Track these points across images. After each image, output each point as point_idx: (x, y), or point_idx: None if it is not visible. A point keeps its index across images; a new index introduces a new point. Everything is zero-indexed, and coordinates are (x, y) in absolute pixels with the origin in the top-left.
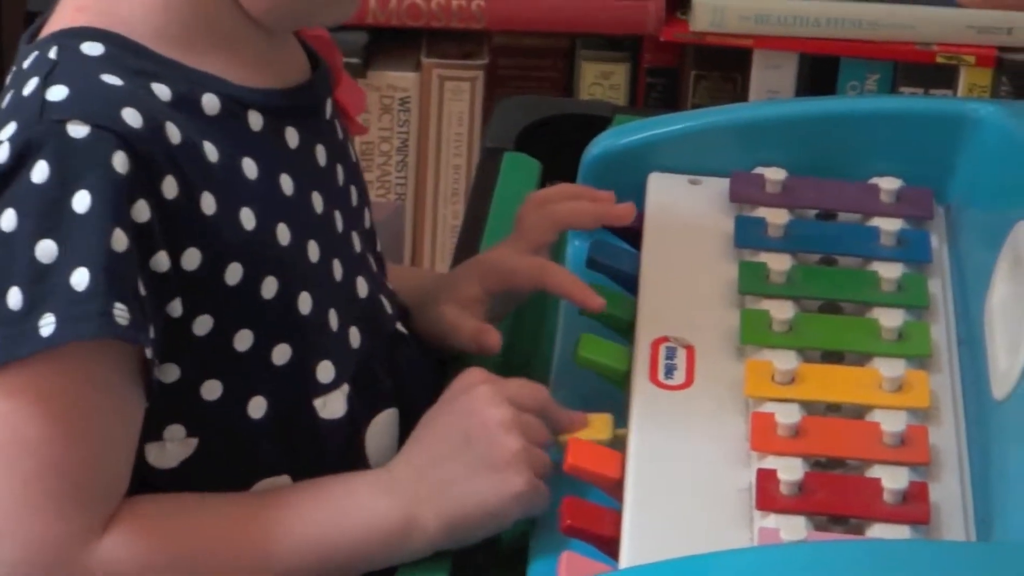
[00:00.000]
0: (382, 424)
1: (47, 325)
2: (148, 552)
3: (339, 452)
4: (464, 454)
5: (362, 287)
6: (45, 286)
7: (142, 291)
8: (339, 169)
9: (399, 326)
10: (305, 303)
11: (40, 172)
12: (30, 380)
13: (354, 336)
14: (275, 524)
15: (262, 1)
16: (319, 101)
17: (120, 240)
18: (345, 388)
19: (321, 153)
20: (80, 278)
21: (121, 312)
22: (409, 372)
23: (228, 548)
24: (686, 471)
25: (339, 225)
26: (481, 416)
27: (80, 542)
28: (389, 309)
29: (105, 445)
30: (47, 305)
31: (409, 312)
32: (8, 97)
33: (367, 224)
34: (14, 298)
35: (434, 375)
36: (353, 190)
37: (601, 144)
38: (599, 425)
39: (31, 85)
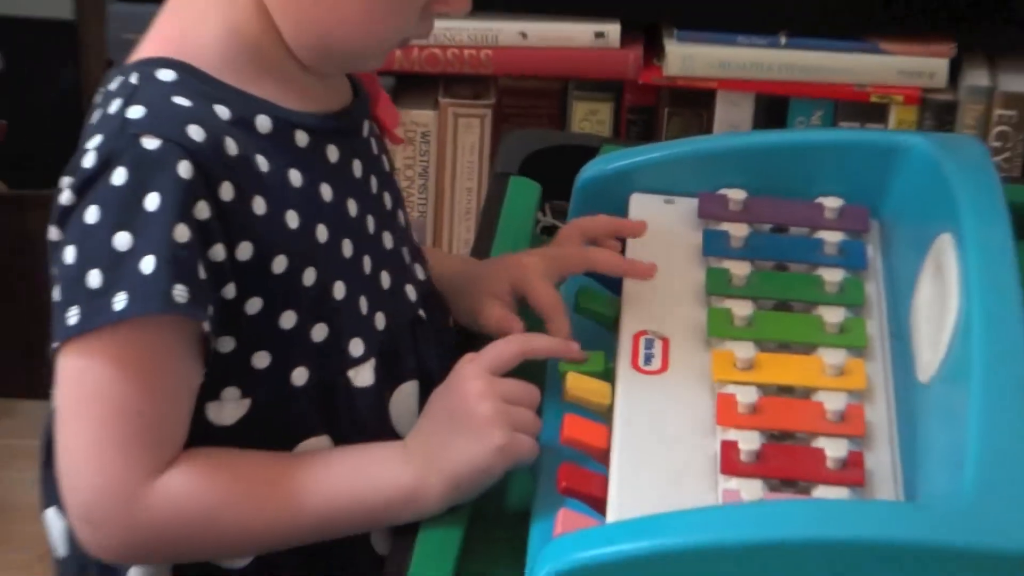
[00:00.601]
0: (405, 393)
1: (120, 301)
2: (198, 491)
3: (368, 415)
4: (452, 424)
5: (385, 279)
6: (120, 270)
7: (202, 275)
8: (373, 180)
9: (420, 312)
10: (339, 290)
11: (119, 176)
12: (106, 345)
13: (379, 319)
14: (309, 479)
15: (309, 53)
16: (357, 123)
17: (183, 233)
18: (372, 361)
19: (358, 167)
20: (148, 264)
21: (181, 292)
22: (427, 351)
23: (267, 494)
24: (662, 442)
25: (371, 227)
26: (461, 392)
27: (141, 479)
28: (412, 297)
29: (166, 400)
30: (121, 285)
31: (433, 297)
32: (97, 114)
33: (401, 223)
34: (94, 279)
35: (451, 353)
36: (387, 196)
37: (591, 170)
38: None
39: (115, 105)
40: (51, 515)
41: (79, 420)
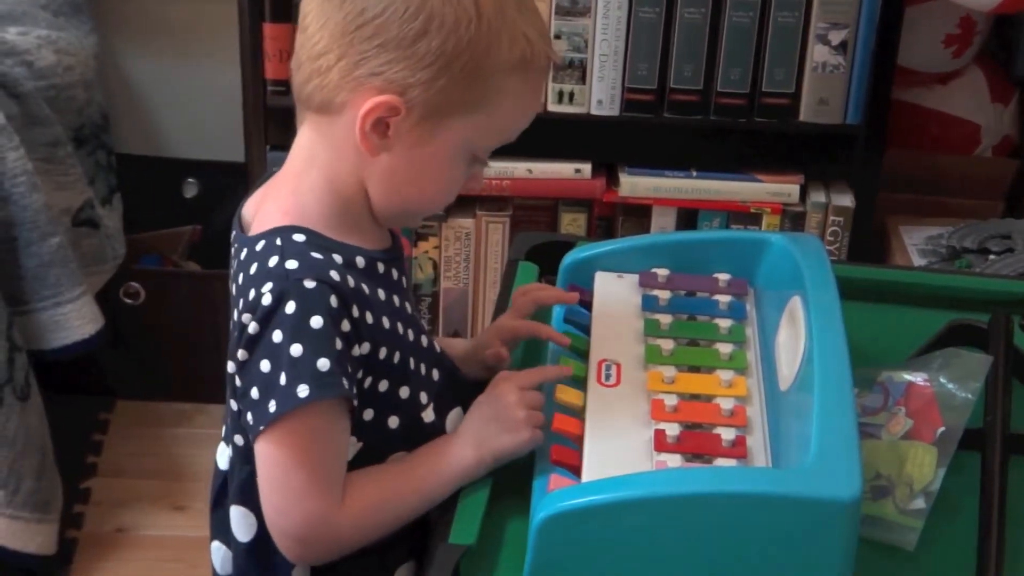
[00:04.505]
0: (453, 416)
1: (303, 390)
2: (364, 504)
3: (433, 435)
4: (498, 422)
5: (424, 341)
6: (298, 369)
7: (350, 369)
8: (405, 281)
9: (451, 363)
10: (411, 363)
11: (290, 307)
12: (296, 422)
13: (435, 374)
14: (414, 474)
15: (389, 214)
16: (400, 252)
17: (338, 343)
18: (432, 404)
19: (403, 280)
20: (323, 364)
21: (344, 382)
22: (463, 387)
23: (394, 488)
24: (616, 430)
25: (408, 309)
26: (504, 401)
27: (334, 509)
28: (437, 350)
29: (336, 452)
30: (302, 379)
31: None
32: (254, 267)
33: (413, 301)
34: (283, 378)
35: (473, 387)
36: (408, 286)
37: (570, 257)
38: (576, 396)
39: (273, 260)
40: (215, 546)
41: (289, 474)
